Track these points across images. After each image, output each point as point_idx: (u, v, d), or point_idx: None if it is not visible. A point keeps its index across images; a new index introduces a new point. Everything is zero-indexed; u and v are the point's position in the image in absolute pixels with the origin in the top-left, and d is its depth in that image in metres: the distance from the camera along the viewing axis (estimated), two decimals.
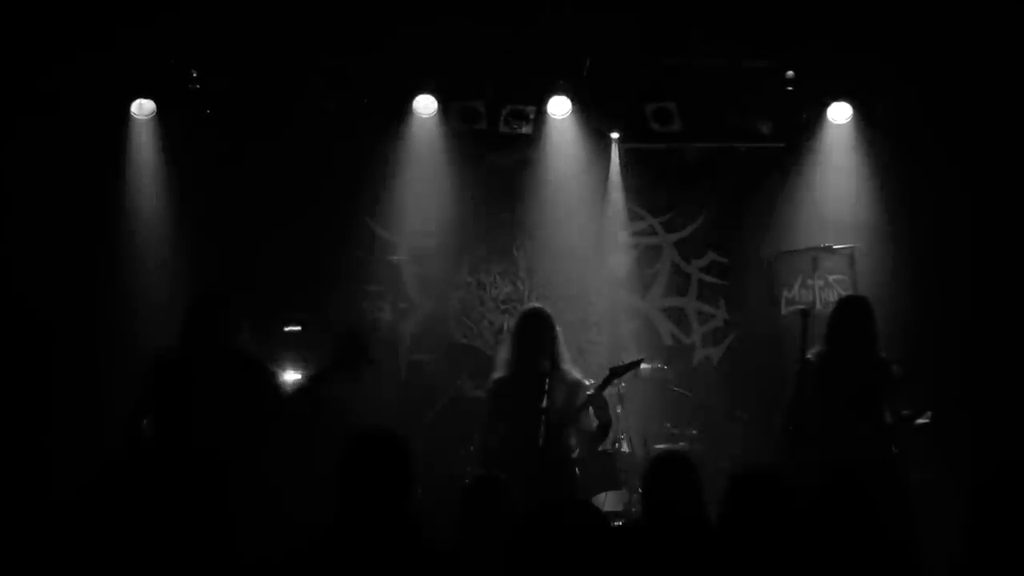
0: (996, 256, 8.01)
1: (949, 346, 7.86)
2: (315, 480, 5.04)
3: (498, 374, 6.49)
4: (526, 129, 8.23)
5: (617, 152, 8.60)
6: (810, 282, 8.41)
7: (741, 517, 3.55)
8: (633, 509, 6.93)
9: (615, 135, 8.50)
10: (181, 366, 5.36)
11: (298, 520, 5.10)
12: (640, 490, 4.46)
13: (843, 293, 8.08)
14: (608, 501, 6.98)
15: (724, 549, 3.49)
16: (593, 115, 8.25)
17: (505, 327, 6.70)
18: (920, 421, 5.99)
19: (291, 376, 7.47)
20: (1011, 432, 7.39)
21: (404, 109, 8.06)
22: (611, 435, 6.71)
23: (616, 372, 6.38)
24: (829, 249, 8.38)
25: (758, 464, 4.06)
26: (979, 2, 7.17)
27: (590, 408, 6.32)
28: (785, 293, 8.56)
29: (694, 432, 7.84)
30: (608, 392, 6.41)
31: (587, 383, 6.43)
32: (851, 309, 6.18)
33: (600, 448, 6.72)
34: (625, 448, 7.33)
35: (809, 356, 5.99)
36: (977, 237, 8.13)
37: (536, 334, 6.36)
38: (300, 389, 5.47)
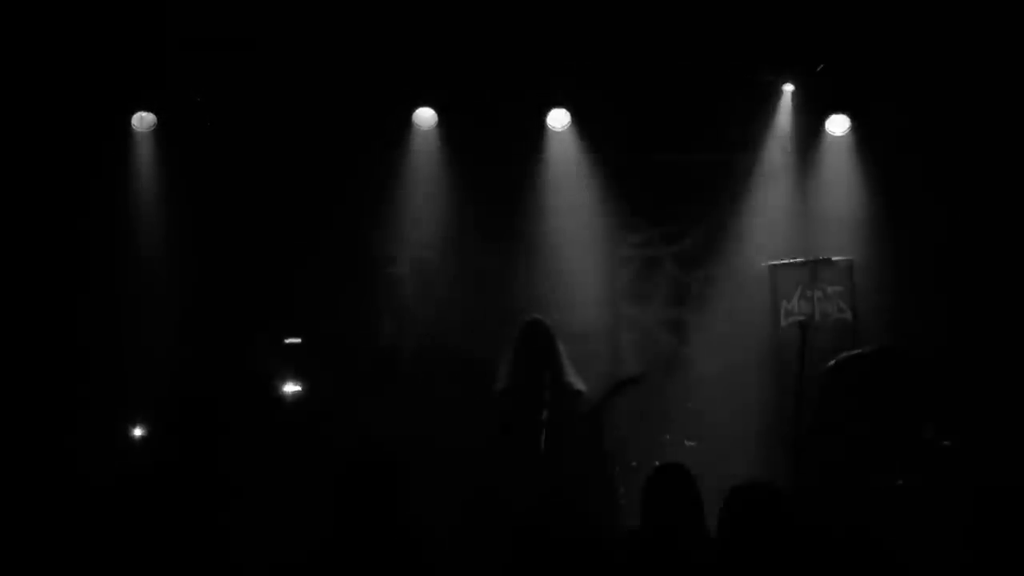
0: (994, 267, 8.02)
1: (948, 358, 7.86)
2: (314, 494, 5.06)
3: (499, 386, 6.50)
4: (526, 141, 8.25)
5: (616, 164, 8.61)
6: (809, 294, 8.41)
7: (740, 529, 3.55)
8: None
9: (614, 147, 8.50)
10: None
11: (297, 533, 5.11)
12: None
13: (842, 305, 8.09)
14: None
15: (723, 561, 3.49)
16: (592, 127, 8.25)
17: (506, 339, 6.70)
18: (943, 443, 6.00)
19: (291, 388, 7.48)
20: (1008, 442, 7.40)
21: (403, 121, 8.08)
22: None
23: (619, 387, 6.39)
24: (828, 261, 8.38)
25: (758, 477, 4.07)
26: (977, 14, 7.19)
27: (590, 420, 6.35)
28: (784, 305, 8.55)
29: (692, 443, 7.84)
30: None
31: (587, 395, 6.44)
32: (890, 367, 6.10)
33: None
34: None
35: (833, 362, 5.97)
36: (976, 248, 8.14)
37: (536, 345, 6.39)
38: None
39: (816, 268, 8.36)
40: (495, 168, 8.67)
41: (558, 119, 8.12)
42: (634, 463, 7.47)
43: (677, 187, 8.88)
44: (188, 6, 6.96)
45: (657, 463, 4.59)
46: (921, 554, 5.10)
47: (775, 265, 8.63)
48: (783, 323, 8.50)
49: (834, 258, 8.39)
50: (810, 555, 3.64)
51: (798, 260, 8.47)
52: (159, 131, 7.89)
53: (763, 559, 3.41)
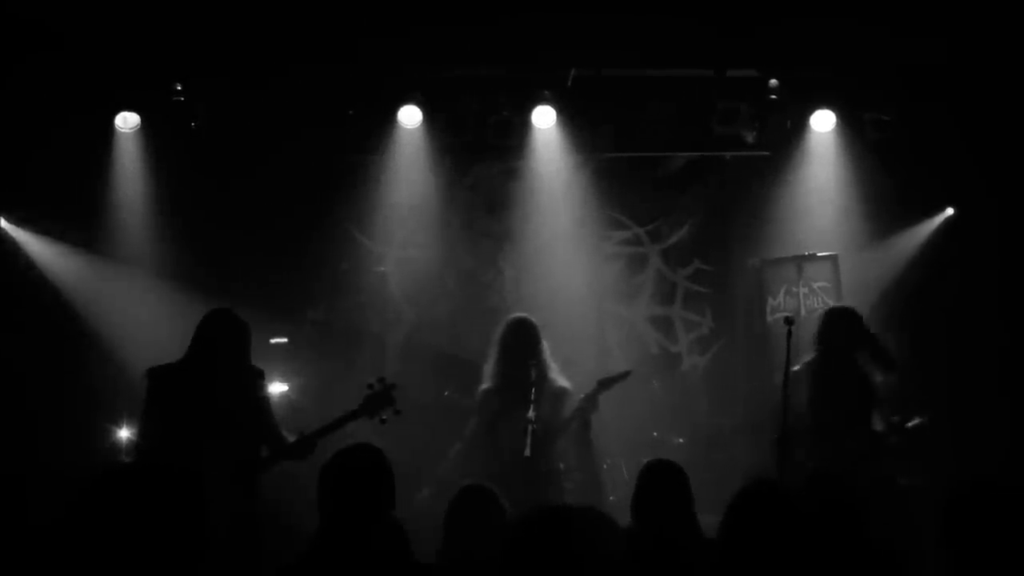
0: (979, 262, 8.06)
1: (932, 352, 7.89)
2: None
3: (485, 384, 6.49)
4: (511, 140, 8.22)
5: (602, 162, 8.60)
6: (795, 289, 8.43)
7: (746, 530, 3.48)
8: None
9: (599, 145, 8.48)
10: (180, 379, 5.38)
11: (286, 535, 5.10)
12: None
13: (827, 300, 8.12)
14: None
15: (725, 560, 3.45)
16: (578, 125, 8.23)
17: (491, 337, 6.69)
18: (911, 424, 6.04)
19: (277, 388, 7.45)
20: (995, 439, 7.43)
21: (389, 120, 8.04)
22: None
23: (604, 384, 6.38)
24: (813, 256, 8.41)
25: (763, 477, 4.04)
26: (965, 11, 7.20)
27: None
28: (770, 301, 8.57)
29: (680, 440, 7.84)
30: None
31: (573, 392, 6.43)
32: (837, 318, 6.25)
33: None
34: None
35: (796, 367, 6.01)
36: (960, 243, 8.18)
37: (522, 343, 6.37)
38: (317, 432, 5.49)
39: (802, 263, 8.39)
40: (480, 166, 8.68)
41: (544, 117, 8.07)
42: (608, 462, 7.48)
43: (663, 184, 8.90)
44: (172, 6, 6.91)
45: (646, 460, 4.57)
46: (915, 550, 5.12)
47: (761, 261, 8.66)
48: (769, 319, 8.52)
49: (819, 253, 8.42)
50: (801, 551, 3.63)
51: (784, 256, 8.49)
52: (143, 131, 7.82)
53: (768, 559, 3.35)
